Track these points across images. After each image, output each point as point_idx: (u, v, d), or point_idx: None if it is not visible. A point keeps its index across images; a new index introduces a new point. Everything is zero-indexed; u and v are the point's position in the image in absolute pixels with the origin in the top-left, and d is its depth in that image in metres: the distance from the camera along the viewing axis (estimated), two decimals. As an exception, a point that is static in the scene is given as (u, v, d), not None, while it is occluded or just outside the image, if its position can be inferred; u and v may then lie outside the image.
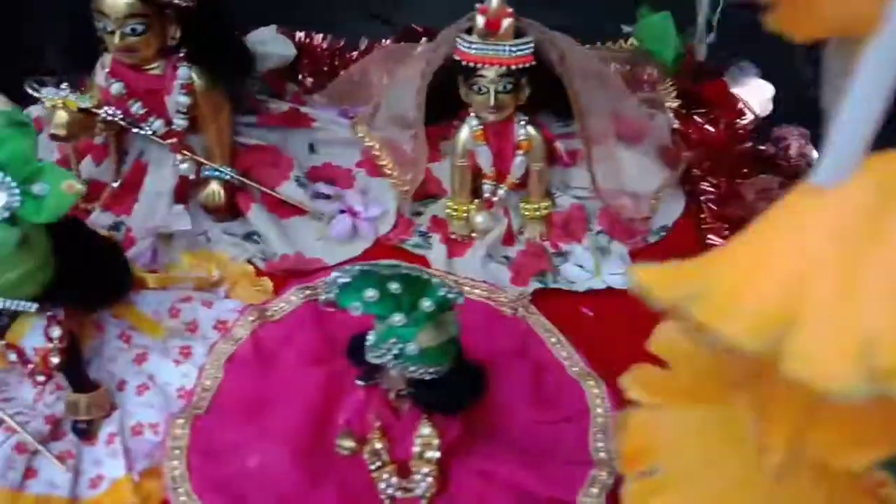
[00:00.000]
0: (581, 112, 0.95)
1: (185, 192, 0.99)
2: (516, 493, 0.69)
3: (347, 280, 0.61)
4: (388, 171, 1.03)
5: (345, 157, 1.09)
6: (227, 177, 0.99)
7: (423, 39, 1.26)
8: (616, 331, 0.88)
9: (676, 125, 1.05)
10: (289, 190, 1.01)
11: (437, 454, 0.67)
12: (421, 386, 0.65)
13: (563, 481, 0.69)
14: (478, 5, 0.88)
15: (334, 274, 0.62)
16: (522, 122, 0.96)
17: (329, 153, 1.09)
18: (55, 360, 0.72)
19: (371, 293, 0.61)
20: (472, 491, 0.69)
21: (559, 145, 1.02)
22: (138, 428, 0.76)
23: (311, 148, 1.09)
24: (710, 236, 0.99)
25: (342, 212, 0.99)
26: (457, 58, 0.92)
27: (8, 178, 0.63)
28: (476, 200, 1.01)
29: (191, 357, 0.82)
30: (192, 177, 0.97)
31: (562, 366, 0.82)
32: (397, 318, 0.62)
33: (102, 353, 0.80)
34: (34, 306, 0.69)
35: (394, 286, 0.60)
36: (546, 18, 0.96)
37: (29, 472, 0.71)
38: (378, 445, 0.68)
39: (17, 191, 0.64)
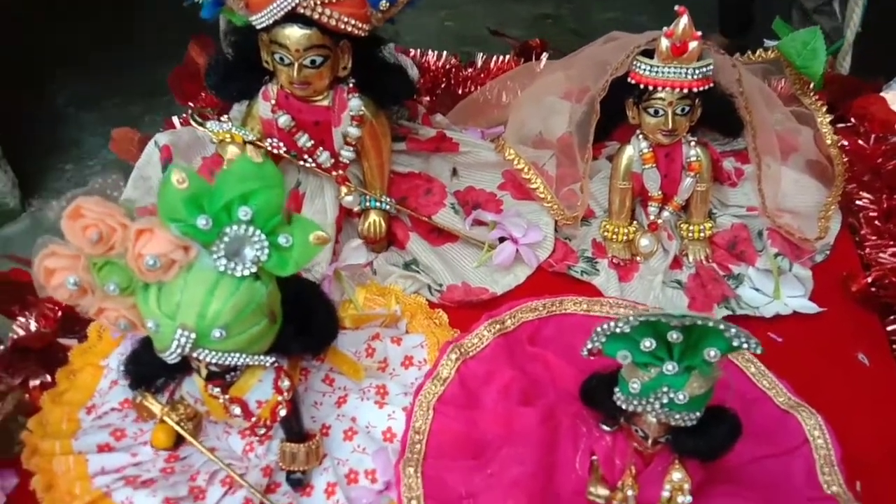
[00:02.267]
0: (755, 130, 0.93)
1: (341, 223, 0.97)
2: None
3: (627, 330, 0.59)
4: (541, 195, 1.01)
5: (486, 180, 1.08)
6: (387, 207, 0.97)
7: (545, 56, 1.25)
8: (806, 356, 0.87)
9: (830, 139, 1.04)
10: (446, 218, 0.99)
11: (690, 498, 0.66)
12: (682, 433, 0.64)
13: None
14: (665, 28, 0.86)
15: (610, 323, 0.60)
16: (692, 143, 0.95)
17: (471, 177, 1.07)
18: (283, 412, 0.70)
19: (648, 343, 0.59)
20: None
21: (726, 164, 1.00)
22: (353, 475, 0.74)
23: (454, 172, 1.07)
24: (870, 252, 0.98)
25: (502, 239, 0.97)
26: (632, 81, 0.91)
27: (257, 231, 0.61)
28: (634, 222, 1.00)
29: (387, 396, 0.80)
30: (356, 209, 0.95)
31: (767, 397, 0.81)
32: (670, 367, 0.60)
33: (306, 398, 0.77)
34: (270, 360, 0.67)
35: (674, 335, 0.59)
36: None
37: (258, 527, 0.69)
38: (630, 493, 0.67)
39: (265, 243, 0.62)
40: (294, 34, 0.83)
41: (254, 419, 0.70)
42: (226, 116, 0.92)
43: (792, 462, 0.75)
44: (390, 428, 0.78)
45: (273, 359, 0.67)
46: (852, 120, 1.09)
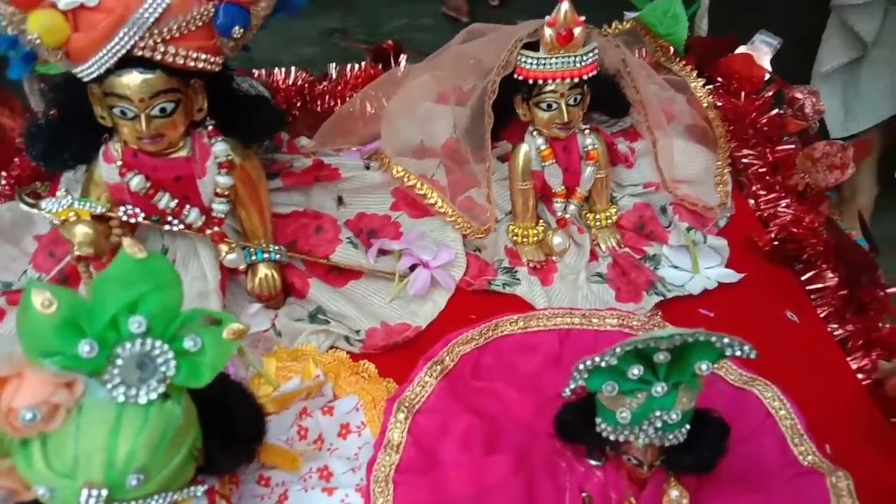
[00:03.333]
0: (645, 107, 0.91)
1: (224, 286, 0.84)
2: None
3: (614, 362, 0.53)
4: (440, 209, 0.93)
5: (376, 203, 0.98)
6: (278, 257, 0.85)
7: (403, 57, 1.17)
8: (740, 325, 0.86)
9: (706, 102, 1.04)
10: (346, 255, 0.89)
11: (690, 513, 0.62)
12: (675, 451, 0.59)
13: (808, 498, 0.66)
14: (548, 17, 0.81)
15: (592, 358, 0.54)
16: (585, 131, 0.91)
17: (359, 202, 0.98)
18: (227, 540, 0.58)
19: (637, 370, 0.54)
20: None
21: (619, 146, 0.97)
22: (319, 585, 0.64)
23: (340, 201, 0.97)
24: (764, 207, 1.00)
25: (413, 266, 0.89)
26: (519, 77, 0.85)
27: (157, 343, 0.49)
28: (541, 220, 0.95)
29: (332, 477, 0.70)
30: (242, 267, 0.83)
31: (719, 377, 0.78)
32: (659, 389, 0.55)
33: (242, 508, 0.65)
34: (202, 488, 0.54)
35: (661, 356, 0.54)
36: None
37: None
38: (632, 524, 0.61)
39: (170, 355, 0.49)
40: (134, 81, 0.69)
41: (193, 557, 0.57)
42: (63, 190, 0.76)
43: (762, 440, 0.73)
44: (347, 516, 0.67)
45: (205, 486, 0.55)
46: (719, 80, 1.10)
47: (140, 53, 0.67)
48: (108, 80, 0.69)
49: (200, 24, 0.69)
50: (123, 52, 0.67)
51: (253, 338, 0.80)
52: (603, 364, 0.54)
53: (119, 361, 0.48)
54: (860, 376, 0.83)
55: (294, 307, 0.87)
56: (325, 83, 1.18)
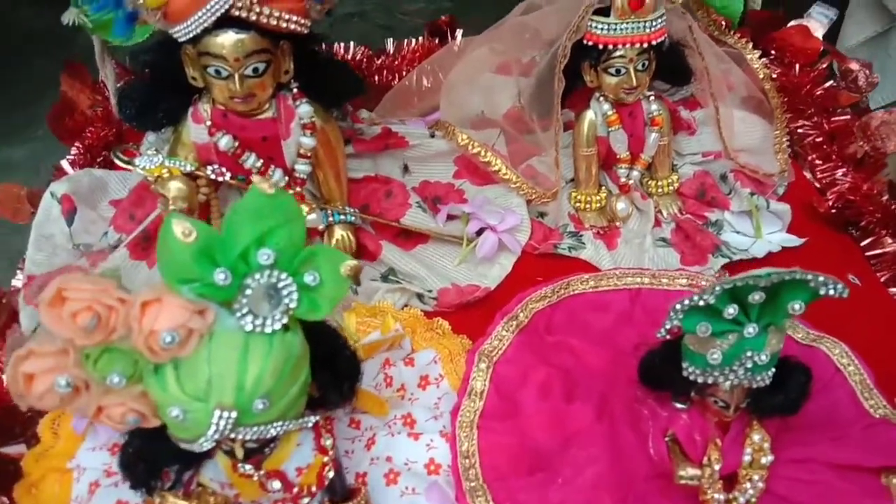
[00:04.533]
0: (710, 76, 0.93)
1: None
2: (842, 470, 0.67)
3: (712, 301, 0.55)
4: (504, 176, 0.96)
5: (439, 171, 1.01)
6: (353, 219, 0.88)
7: (459, 32, 1.19)
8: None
9: (763, 74, 1.05)
10: (416, 218, 0.92)
11: (771, 457, 0.64)
12: (761, 393, 0.61)
13: (882, 447, 0.67)
14: (620, -17, 0.83)
15: (690, 297, 0.56)
16: (650, 98, 0.93)
17: (423, 170, 1.00)
18: (331, 473, 0.60)
19: (732, 309, 0.56)
20: (796, 481, 0.66)
21: (681, 114, 0.99)
22: (411, 521, 0.66)
23: (406, 168, 0.99)
24: (821, 176, 1.01)
25: (480, 230, 0.91)
26: (589, 43, 0.87)
27: (283, 275, 0.52)
28: (602, 187, 0.97)
29: (416, 424, 0.73)
30: (320, 227, 0.85)
31: (787, 336, 0.80)
32: (751, 330, 0.57)
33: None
34: (313, 419, 0.57)
35: (756, 297, 0.56)
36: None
37: None
38: (716, 467, 0.63)
39: (294, 288, 0.52)
40: (229, 41, 0.72)
41: (295, 490, 0.60)
42: (153, 150, 0.79)
43: (833, 394, 0.75)
44: (433, 459, 0.70)
45: (316, 417, 0.57)
46: (773, 52, 1.11)
47: (237, 13, 0.70)
48: (203, 41, 0.72)
49: (293, -14, 0.72)
50: (221, 11, 0.70)
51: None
52: (701, 303, 0.56)
53: (248, 291, 0.51)
54: (922, 338, 0.84)
55: (367, 268, 0.89)
56: (382, 58, 1.21)
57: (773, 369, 0.60)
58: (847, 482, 0.66)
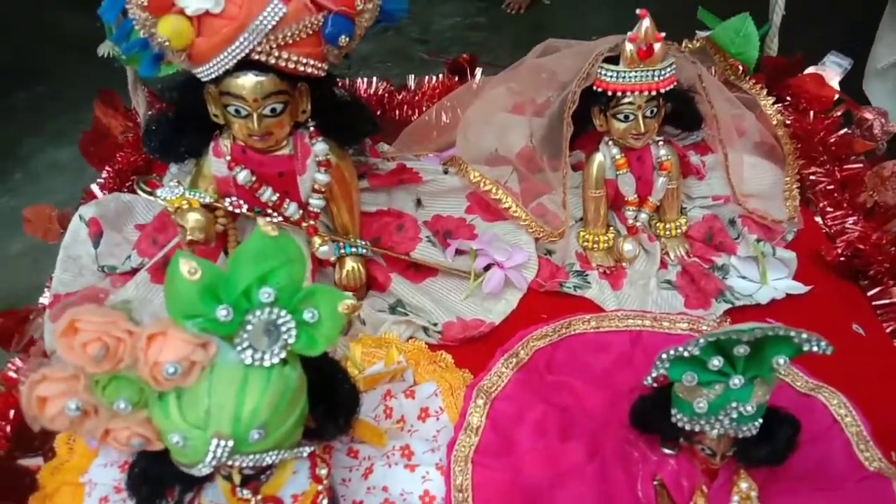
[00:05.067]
0: (719, 122, 0.95)
1: (314, 277, 0.90)
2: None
3: (696, 353, 0.57)
4: (514, 214, 0.98)
5: (452, 206, 1.03)
6: (365, 252, 0.91)
7: (479, 71, 1.23)
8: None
9: (776, 120, 1.07)
10: (426, 252, 0.95)
11: (759, 506, 0.65)
12: (748, 443, 0.62)
13: (874, 500, 0.68)
14: (628, 34, 0.85)
15: (676, 349, 0.57)
16: (659, 143, 0.95)
17: (435, 205, 1.03)
18: (324, 501, 0.63)
19: (717, 361, 0.57)
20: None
21: (691, 158, 1.00)
22: (403, 551, 0.68)
23: (419, 203, 1.02)
24: (831, 223, 1.02)
25: (487, 266, 0.94)
26: (598, 89, 0.89)
27: (283, 312, 0.54)
28: (611, 228, 0.99)
29: (413, 456, 0.75)
30: (332, 259, 0.89)
31: (786, 383, 0.81)
32: (736, 381, 0.58)
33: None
34: (308, 449, 0.60)
35: (741, 350, 0.57)
36: None
37: None
38: (703, 512, 0.65)
39: (292, 324, 0.55)
40: (249, 83, 0.76)
41: (291, 516, 0.63)
42: (175, 181, 0.83)
43: (828, 445, 0.75)
44: (427, 491, 0.72)
45: (311, 447, 0.60)
46: (788, 98, 1.13)
47: (256, 57, 0.74)
48: (224, 81, 0.76)
49: (311, 32, 0.75)
50: (242, 55, 0.74)
51: (341, 326, 0.85)
52: (686, 354, 0.57)
53: (249, 327, 0.53)
54: (927, 391, 0.84)
55: (376, 299, 0.92)
56: (403, 93, 1.25)
57: (761, 420, 0.61)
58: (835, 535, 0.67)
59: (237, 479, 0.58)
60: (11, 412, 0.82)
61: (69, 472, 0.75)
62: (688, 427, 0.62)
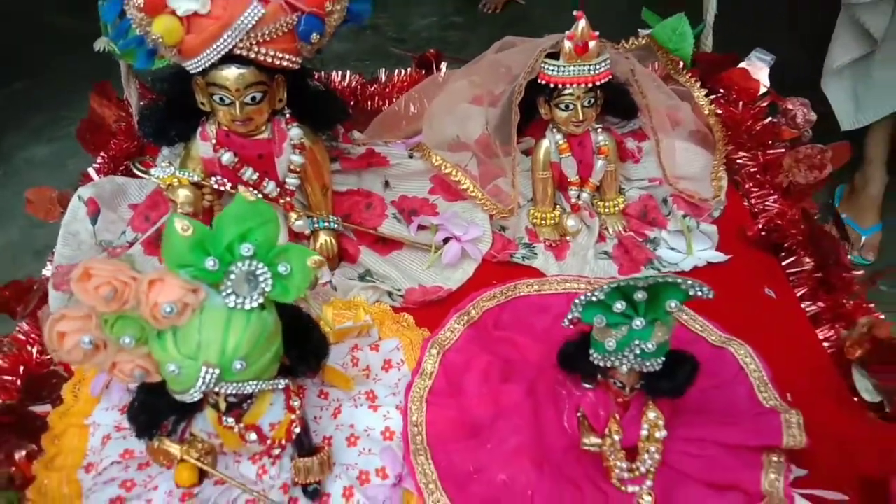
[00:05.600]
0: (650, 111, 1.07)
1: (291, 247, 1.01)
2: (727, 448, 0.79)
3: (602, 297, 0.69)
4: (472, 194, 1.10)
5: (417, 187, 1.15)
6: (336, 226, 1.02)
7: (444, 65, 1.34)
8: (725, 298, 1.00)
9: (708, 110, 1.19)
10: (391, 227, 1.06)
11: (665, 432, 0.77)
12: (652, 377, 0.74)
13: (765, 430, 0.80)
14: (567, 32, 0.97)
15: (586, 294, 0.69)
16: (598, 130, 1.06)
17: (402, 186, 1.14)
18: (297, 429, 0.74)
19: (620, 304, 0.69)
20: (687, 455, 0.79)
21: (628, 144, 1.12)
22: (364, 476, 0.80)
23: (386, 184, 1.13)
24: (755, 202, 1.14)
25: (446, 240, 1.05)
26: (542, 82, 1.01)
27: (260, 265, 0.66)
28: (557, 206, 1.11)
29: (377, 399, 0.86)
30: (307, 232, 1.00)
31: (701, 337, 0.93)
32: (638, 322, 0.70)
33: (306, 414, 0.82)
34: (283, 382, 0.71)
35: (640, 295, 0.69)
36: None
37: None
38: (616, 437, 0.76)
39: (268, 275, 0.66)
40: (232, 74, 0.87)
41: (269, 442, 0.74)
42: (166, 162, 0.94)
43: (733, 388, 0.88)
44: (388, 427, 0.83)
45: (286, 380, 0.71)
46: (721, 91, 1.25)
47: (238, 52, 0.85)
48: (210, 73, 0.87)
49: (286, 30, 0.86)
50: (226, 50, 0.85)
51: (314, 290, 0.96)
52: (594, 298, 0.69)
53: (232, 276, 0.65)
54: (826, 345, 0.97)
55: (347, 269, 1.03)
56: (375, 86, 1.36)
57: (663, 358, 0.73)
58: (731, 457, 0.79)
59: (223, 405, 0.70)
60: (21, 368, 0.93)
61: (75, 416, 0.86)
62: (602, 363, 0.74)
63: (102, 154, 1.22)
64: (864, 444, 0.82)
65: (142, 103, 1.27)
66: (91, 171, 1.19)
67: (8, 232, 2.08)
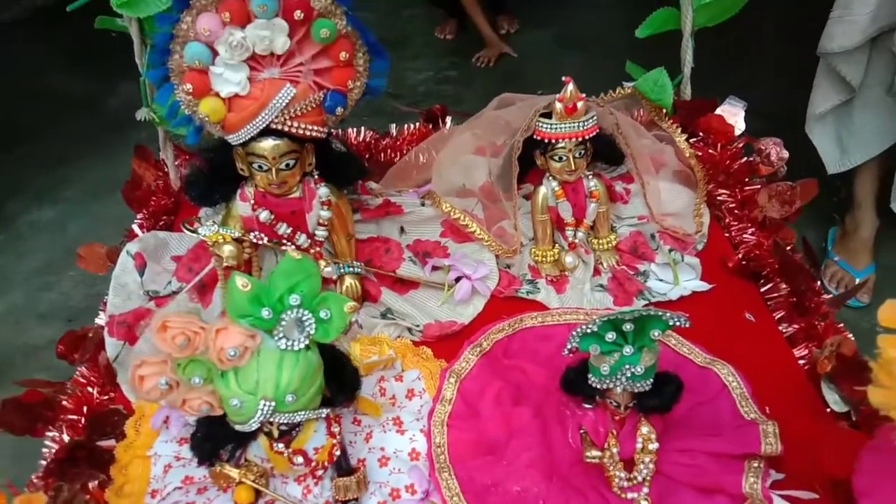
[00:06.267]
0: (634, 158, 1.19)
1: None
2: (713, 457, 0.90)
3: (595, 329, 0.81)
4: (478, 236, 1.22)
5: (429, 232, 1.27)
6: (360, 271, 1.14)
7: (449, 119, 1.47)
8: (709, 324, 1.13)
9: (689, 153, 1.32)
10: (408, 269, 1.18)
11: (657, 444, 0.88)
12: (643, 396, 0.86)
13: (745, 440, 0.91)
14: (557, 95, 1.10)
15: (581, 327, 0.81)
16: (589, 176, 1.19)
17: (416, 231, 1.27)
18: (337, 452, 0.86)
19: (611, 335, 0.81)
20: (678, 464, 0.90)
21: (616, 187, 1.25)
22: (395, 493, 0.91)
23: (402, 230, 1.26)
24: (735, 234, 1.27)
25: (458, 279, 1.18)
26: (537, 137, 1.14)
27: (306, 312, 0.78)
28: (556, 245, 1.23)
29: (403, 424, 0.98)
30: (335, 277, 1.12)
31: (688, 360, 1.05)
32: (628, 350, 0.82)
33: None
34: (325, 411, 0.83)
35: (627, 326, 0.81)
36: None
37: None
38: (615, 450, 0.88)
39: (312, 320, 0.78)
40: (268, 145, 1.00)
41: (313, 464, 0.86)
42: (211, 221, 1.07)
43: (717, 404, 0.99)
44: (414, 448, 0.95)
45: (328, 410, 0.83)
46: (700, 134, 1.38)
47: (274, 126, 0.98)
48: (250, 145, 1.00)
49: (314, 106, 1.00)
50: (263, 126, 0.98)
51: (342, 328, 1.08)
52: (589, 330, 0.81)
53: (283, 323, 0.77)
54: (801, 362, 1.08)
55: (370, 308, 1.15)
56: (387, 139, 1.49)
57: (651, 379, 0.85)
58: (716, 464, 0.90)
59: (276, 433, 0.82)
60: (84, 408, 1.05)
61: (138, 448, 0.97)
62: (599, 386, 0.85)
63: (143, 211, 1.35)
64: (834, 449, 0.93)
65: (176, 163, 1.41)
66: (135, 226, 1.32)
67: (12, 296, 2.12)
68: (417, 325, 1.12)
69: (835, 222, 2.02)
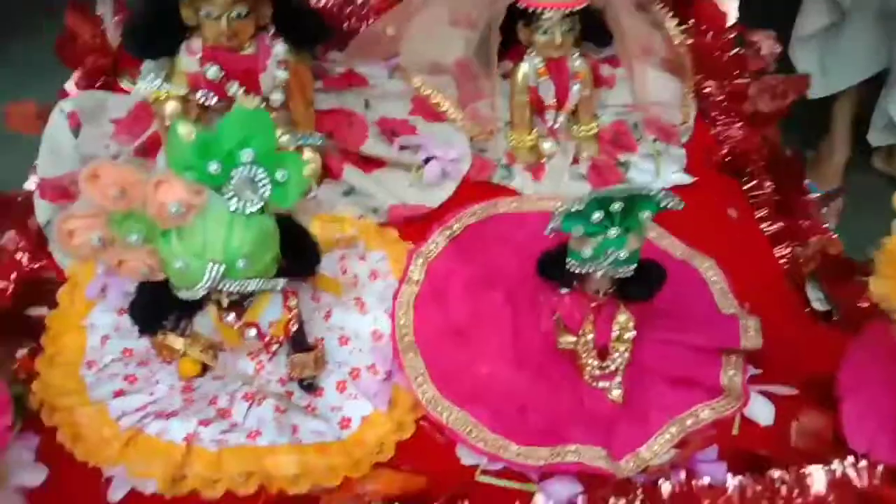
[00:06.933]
0: (623, 39, 1.10)
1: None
2: (691, 349, 0.87)
3: (581, 208, 0.74)
4: (451, 116, 1.13)
5: (397, 109, 1.17)
6: (320, 143, 1.05)
7: (423, -14, 1.34)
8: (691, 217, 1.06)
9: (678, 40, 1.23)
10: (374, 146, 1.09)
11: (634, 332, 0.83)
12: (624, 283, 0.80)
13: (725, 334, 0.87)
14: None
15: (566, 204, 0.74)
16: (575, 55, 1.10)
17: (382, 107, 1.16)
18: (294, 327, 0.79)
19: (598, 215, 0.74)
20: (654, 355, 0.86)
21: (603, 71, 1.16)
22: (356, 373, 0.85)
23: (367, 104, 1.16)
24: (720, 129, 1.20)
25: (427, 159, 1.09)
26: (522, 6, 1.04)
27: (260, 170, 0.69)
28: (534, 129, 1.15)
29: (365, 305, 0.91)
30: (291, 148, 1.02)
31: (668, 253, 1.00)
32: (613, 232, 0.76)
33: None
34: (283, 282, 0.75)
35: (616, 206, 0.74)
36: None
37: (294, 428, 0.79)
38: (590, 336, 0.83)
39: (267, 181, 0.69)
40: (219, -11, 0.88)
41: (267, 338, 0.79)
42: (152, 75, 0.95)
43: (697, 297, 0.95)
44: (376, 330, 0.88)
45: (284, 280, 0.75)
46: (691, 21, 1.29)
47: (226, -33, 0.86)
48: (198, -14, 0.88)
49: (273, -55, 0.87)
50: (215, -34, 0.85)
51: (301, 204, 0.99)
52: (573, 209, 0.74)
53: (234, 181, 0.68)
54: (782, 261, 1.04)
55: (331, 185, 1.06)
56: (351, 6, 1.36)
57: (634, 265, 0.79)
58: (694, 357, 0.86)
59: (225, 302, 0.74)
60: (13, 274, 0.95)
61: (72, 318, 0.88)
62: (578, 270, 0.79)
63: (79, 70, 1.22)
64: (812, 346, 0.90)
65: (116, 18, 1.27)
66: (68, 85, 1.19)
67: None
68: (382, 206, 1.04)
69: (811, 146, 2.01)
